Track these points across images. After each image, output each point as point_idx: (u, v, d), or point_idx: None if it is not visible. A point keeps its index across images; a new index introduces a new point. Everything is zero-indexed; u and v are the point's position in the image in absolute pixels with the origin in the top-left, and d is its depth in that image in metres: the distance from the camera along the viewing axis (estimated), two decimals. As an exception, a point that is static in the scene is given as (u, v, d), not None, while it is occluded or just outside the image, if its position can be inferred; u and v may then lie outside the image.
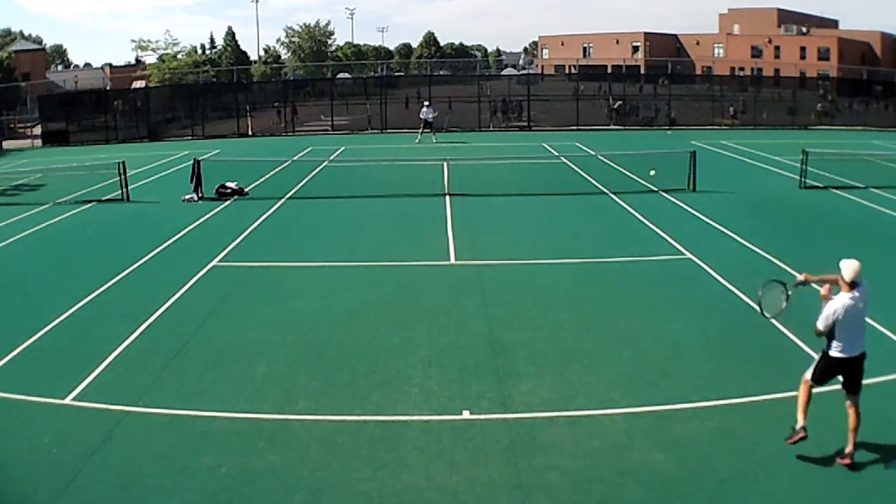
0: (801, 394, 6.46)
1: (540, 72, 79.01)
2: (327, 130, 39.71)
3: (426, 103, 33.30)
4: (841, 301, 6.28)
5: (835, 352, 6.31)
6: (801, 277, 6.68)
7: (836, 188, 19.39)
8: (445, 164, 21.07)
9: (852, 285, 6.28)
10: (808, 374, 6.52)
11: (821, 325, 6.26)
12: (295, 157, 27.18)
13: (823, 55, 66.66)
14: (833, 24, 79.49)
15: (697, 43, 78.37)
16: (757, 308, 6.76)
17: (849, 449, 6.26)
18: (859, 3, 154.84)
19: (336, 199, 18.80)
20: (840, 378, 6.42)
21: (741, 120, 40.32)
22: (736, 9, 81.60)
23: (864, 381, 7.75)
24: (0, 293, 11.50)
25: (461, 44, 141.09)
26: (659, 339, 9.10)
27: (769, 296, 6.81)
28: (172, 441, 6.85)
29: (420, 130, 32.31)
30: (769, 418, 7.10)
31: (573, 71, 60.88)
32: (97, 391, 7.82)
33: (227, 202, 18.72)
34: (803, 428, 6.34)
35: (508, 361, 8.49)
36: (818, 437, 6.77)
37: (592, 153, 26.53)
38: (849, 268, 6.36)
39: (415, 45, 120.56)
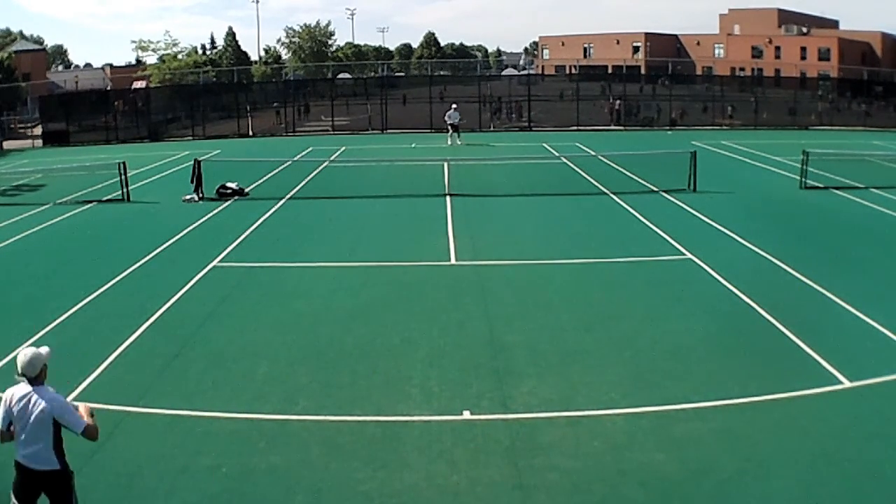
0: None
1: (540, 72, 79.00)
2: (328, 131, 39.73)
3: (454, 105, 32.70)
4: None
5: None
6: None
7: (837, 188, 19.38)
8: (446, 164, 21.09)
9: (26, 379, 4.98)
10: None
11: None
12: (295, 158, 27.20)
13: (824, 55, 66.62)
14: (833, 24, 79.44)
15: (698, 43, 78.32)
16: None
17: None
18: (859, 3, 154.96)
19: (336, 200, 18.80)
20: None
21: (741, 120, 40.31)
22: (736, 9, 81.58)
23: (865, 381, 7.81)
24: (0, 293, 11.50)
25: (461, 44, 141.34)
26: (659, 340, 9.09)
27: None
28: (172, 441, 6.85)
29: (449, 134, 31.33)
30: (769, 418, 7.09)
31: (573, 71, 60.88)
32: (97, 391, 7.82)
33: (228, 202, 18.73)
34: None
35: (509, 362, 8.49)
36: (818, 436, 6.77)
37: (593, 153, 26.54)
38: (18, 358, 4.99)
39: (415, 45, 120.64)
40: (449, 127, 31.33)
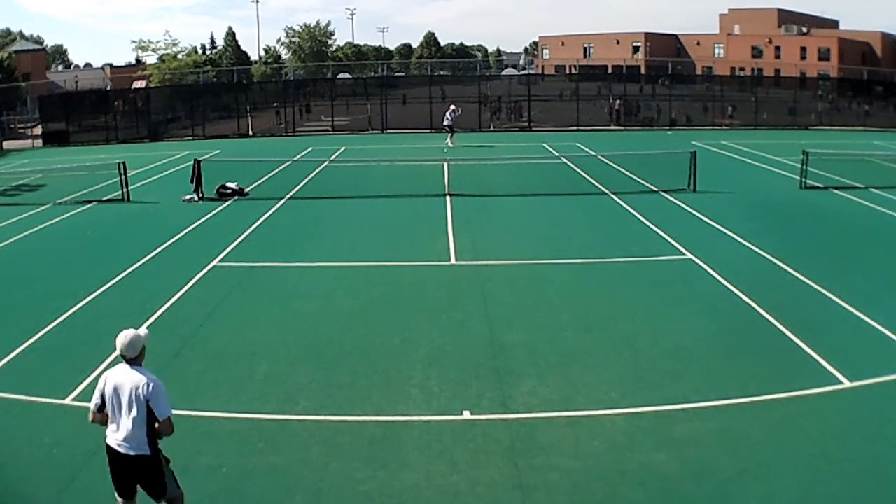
0: None
1: (540, 72, 79.02)
2: (327, 131, 39.74)
3: (452, 107, 31.88)
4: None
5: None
6: None
7: (837, 188, 19.38)
8: (446, 164, 21.10)
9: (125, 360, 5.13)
10: None
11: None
12: (295, 158, 27.20)
13: (824, 55, 66.62)
14: (833, 24, 79.44)
15: (698, 43, 78.33)
16: None
17: None
18: (859, 3, 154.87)
19: (336, 200, 18.80)
20: None
21: (741, 120, 40.32)
22: (736, 9, 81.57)
23: (865, 381, 7.82)
24: (1, 293, 11.50)
25: (461, 44, 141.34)
26: (659, 340, 9.09)
27: None
28: (172, 441, 6.82)
29: (448, 135, 30.66)
30: (769, 418, 7.09)
31: (573, 71, 60.89)
32: (97, 391, 7.82)
33: (228, 202, 18.73)
34: None
35: (509, 362, 8.49)
36: (818, 436, 6.77)
37: (593, 153, 26.54)
38: (117, 340, 5.11)
39: (415, 45, 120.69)
40: (447, 128, 30.88)
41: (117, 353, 5.03)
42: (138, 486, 5.17)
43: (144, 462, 5.01)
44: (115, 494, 5.17)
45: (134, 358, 5.03)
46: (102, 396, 5.05)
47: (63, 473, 6.27)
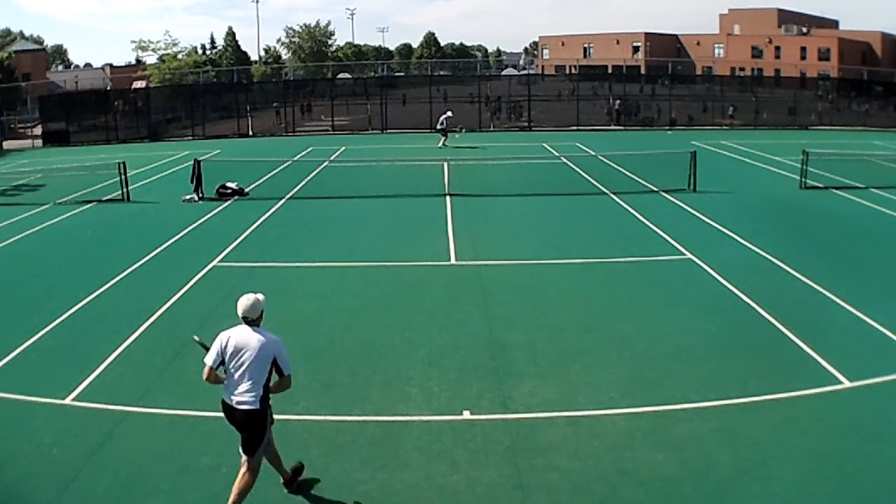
0: None
1: (540, 72, 79.02)
2: (327, 130, 39.75)
3: (448, 112, 31.81)
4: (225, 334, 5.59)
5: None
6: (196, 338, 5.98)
7: (837, 188, 19.38)
8: (446, 164, 21.10)
9: (245, 321, 5.58)
10: None
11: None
12: (295, 158, 27.20)
13: (824, 55, 66.61)
14: (833, 24, 79.44)
15: (698, 43, 78.32)
16: None
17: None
18: (859, 3, 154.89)
19: (336, 200, 18.80)
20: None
21: (741, 120, 40.32)
22: (736, 9, 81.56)
23: (865, 381, 7.81)
24: (1, 293, 11.50)
25: (461, 44, 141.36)
26: (659, 340, 9.09)
27: None
28: (172, 441, 6.85)
29: (444, 137, 30.70)
30: (769, 418, 7.09)
31: (573, 71, 60.89)
32: (97, 391, 7.82)
33: (228, 202, 18.73)
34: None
35: (509, 362, 8.49)
36: (818, 436, 6.77)
37: (593, 153, 26.54)
38: (238, 303, 5.60)
39: (415, 45, 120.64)
40: (442, 131, 30.81)
41: (239, 315, 5.52)
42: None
43: (253, 415, 5.45)
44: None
45: (255, 319, 5.52)
46: (222, 355, 5.46)
47: (63, 473, 6.27)
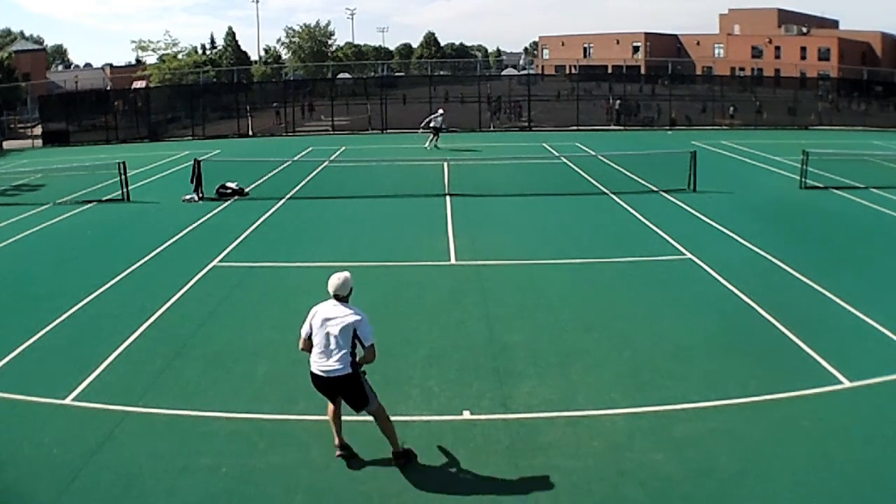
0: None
1: (540, 72, 79.02)
2: (327, 130, 39.75)
3: (440, 111, 31.13)
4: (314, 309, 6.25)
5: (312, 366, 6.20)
6: None
7: (837, 188, 19.38)
8: (446, 164, 21.10)
9: (334, 297, 6.20)
10: None
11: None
12: (295, 158, 27.20)
13: (824, 55, 66.61)
14: (833, 24, 79.44)
15: (698, 43, 78.32)
16: None
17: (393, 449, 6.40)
18: (859, 3, 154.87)
19: (336, 200, 18.80)
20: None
21: (741, 120, 40.32)
22: (736, 9, 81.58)
23: (865, 381, 7.82)
24: (1, 293, 11.50)
25: (461, 44, 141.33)
26: (659, 340, 9.09)
27: None
28: (172, 441, 6.85)
29: (431, 138, 29.75)
30: (769, 418, 7.09)
31: (573, 71, 60.89)
32: (97, 391, 7.82)
33: (228, 202, 18.73)
34: (336, 446, 6.49)
35: (509, 362, 8.49)
36: (818, 436, 6.77)
37: (593, 153, 26.54)
38: (330, 280, 6.21)
39: (415, 45, 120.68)
40: (432, 130, 29.98)
41: (330, 292, 6.13)
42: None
43: (347, 380, 6.06)
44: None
45: (345, 296, 6.15)
46: (311, 326, 6.11)
47: (63, 473, 6.27)
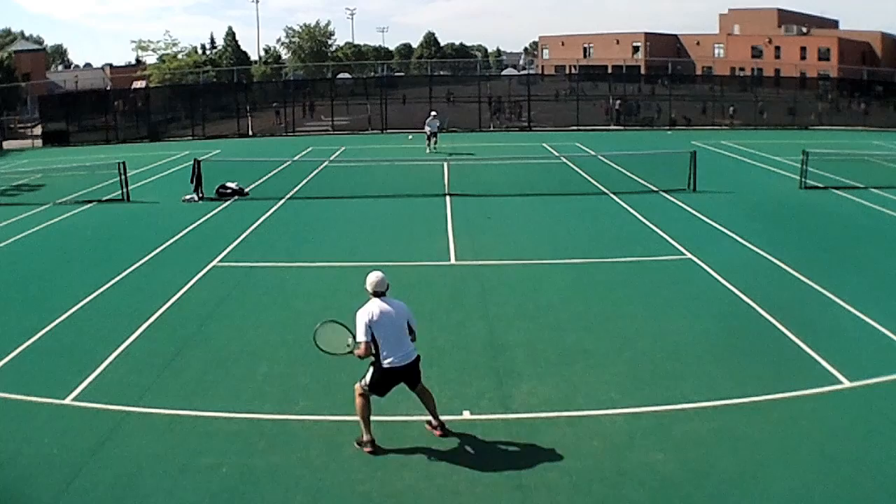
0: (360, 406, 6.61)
1: (540, 72, 79.01)
2: (327, 130, 39.76)
3: (433, 112, 30.12)
4: (368, 308, 6.46)
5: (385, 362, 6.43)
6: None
7: (837, 188, 19.38)
8: (446, 164, 21.10)
9: (376, 295, 6.53)
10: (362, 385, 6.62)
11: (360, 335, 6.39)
12: (295, 158, 27.20)
13: (824, 55, 66.59)
14: (833, 24, 79.40)
15: (698, 43, 78.29)
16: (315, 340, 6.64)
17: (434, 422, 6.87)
18: (859, 3, 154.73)
19: (336, 200, 18.80)
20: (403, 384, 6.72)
21: (741, 120, 40.32)
22: (736, 9, 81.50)
23: (865, 381, 7.82)
24: (1, 293, 11.50)
25: (461, 44, 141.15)
26: (659, 340, 9.09)
27: (327, 332, 6.68)
28: (172, 441, 6.85)
29: (427, 142, 28.87)
30: (769, 418, 7.09)
31: (573, 71, 60.89)
32: (97, 391, 7.82)
33: (228, 202, 18.73)
34: (370, 441, 6.62)
35: (509, 361, 8.49)
36: (818, 436, 6.77)
37: (593, 153, 26.54)
38: (369, 280, 6.57)
39: (415, 45, 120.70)
40: (427, 134, 28.93)
41: (369, 291, 6.47)
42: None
43: (418, 360, 6.56)
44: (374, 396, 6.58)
45: (384, 291, 6.47)
46: (371, 329, 6.29)
47: (63, 473, 6.27)
